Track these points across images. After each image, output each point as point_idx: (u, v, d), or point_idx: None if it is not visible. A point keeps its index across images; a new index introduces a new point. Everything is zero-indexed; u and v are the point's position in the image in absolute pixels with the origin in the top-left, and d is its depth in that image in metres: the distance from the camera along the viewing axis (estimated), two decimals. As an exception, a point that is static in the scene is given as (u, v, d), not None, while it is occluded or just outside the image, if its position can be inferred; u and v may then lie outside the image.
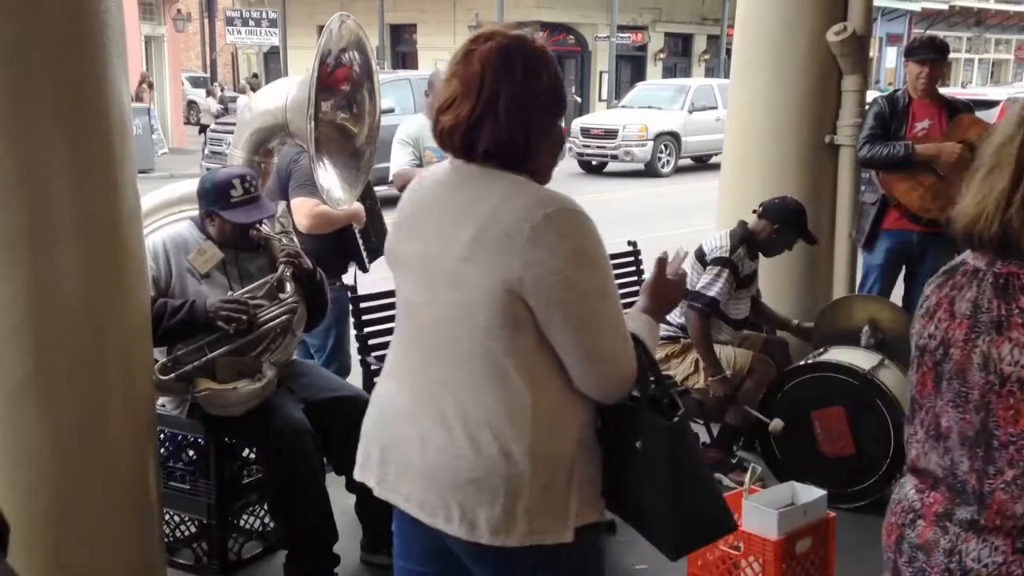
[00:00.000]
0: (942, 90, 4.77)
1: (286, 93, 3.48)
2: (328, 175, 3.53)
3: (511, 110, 1.72)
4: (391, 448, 1.82)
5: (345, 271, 4.20)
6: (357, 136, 3.64)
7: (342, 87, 3.59)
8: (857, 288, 4.80)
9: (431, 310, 1.76)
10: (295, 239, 3.42)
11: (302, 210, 3.85)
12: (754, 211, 4.15)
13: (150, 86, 19.97)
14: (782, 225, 4.06)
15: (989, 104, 8.75)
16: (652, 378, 1.79)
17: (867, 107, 4.68)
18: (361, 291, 4.11)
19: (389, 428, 1.83)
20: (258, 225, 3.19)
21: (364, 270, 4.24)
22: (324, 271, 3.97)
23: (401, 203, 1.90)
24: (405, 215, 1.88)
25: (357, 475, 1.91)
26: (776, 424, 3.83)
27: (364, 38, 3.57)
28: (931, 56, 4.59)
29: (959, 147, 4.53)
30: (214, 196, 3.15)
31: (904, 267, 4.81)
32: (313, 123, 3.30)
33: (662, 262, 1.94)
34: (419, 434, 1.76)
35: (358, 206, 4.08)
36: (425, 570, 1.92)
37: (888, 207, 4.65)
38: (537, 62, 1.79)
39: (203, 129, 19.23)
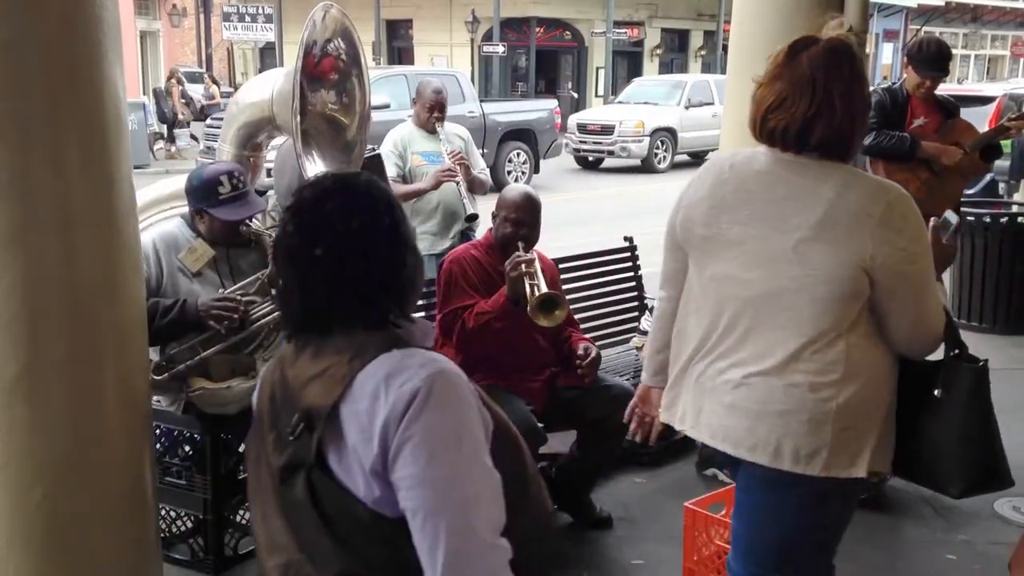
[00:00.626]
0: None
1: (272, 85, 3.42)
2: (316, 168, 3.49)
3: (844, 106, 1.98)
4: (703, 396, 2.11)
5: None
6: (348, 128, 3.58)
7: (330, 77, 3.53)
8: None
9: (763, 284, 2.02)
10: None
11: None
12: None
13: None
14: None
15: (985, 100, 8.74)
16: (953, 336, 2.09)
17: None
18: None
19: (704, 381, 2.11)
20: (248, 221, 3.17)
21: None
22: None
23: (711, 192, 2.15)
24: (724, 202, 2.11)
25: (668, 420, 2.22)
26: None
27: (350, 26, 3.50)
28: (938, 74, 4.56)
29: (960, 152, 4.55)
30: (202, 193, 3.13)
31: None
32: (299, 117, 3.26)
33: (936, 229, 2.20)
34: (733, 381, 2.04)
35: None
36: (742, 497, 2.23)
37: None
38: (857, 63, 2.07)
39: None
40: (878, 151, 4.58)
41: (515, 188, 3.76)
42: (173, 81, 19.57)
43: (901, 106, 4.60)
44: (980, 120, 8.75)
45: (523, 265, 3.35)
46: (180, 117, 18.42)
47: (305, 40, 3.33)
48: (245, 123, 3.52)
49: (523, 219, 3.53)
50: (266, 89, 3.45)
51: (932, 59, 4.56)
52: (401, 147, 4.77)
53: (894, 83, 4.79)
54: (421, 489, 1.32)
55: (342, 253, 1.43)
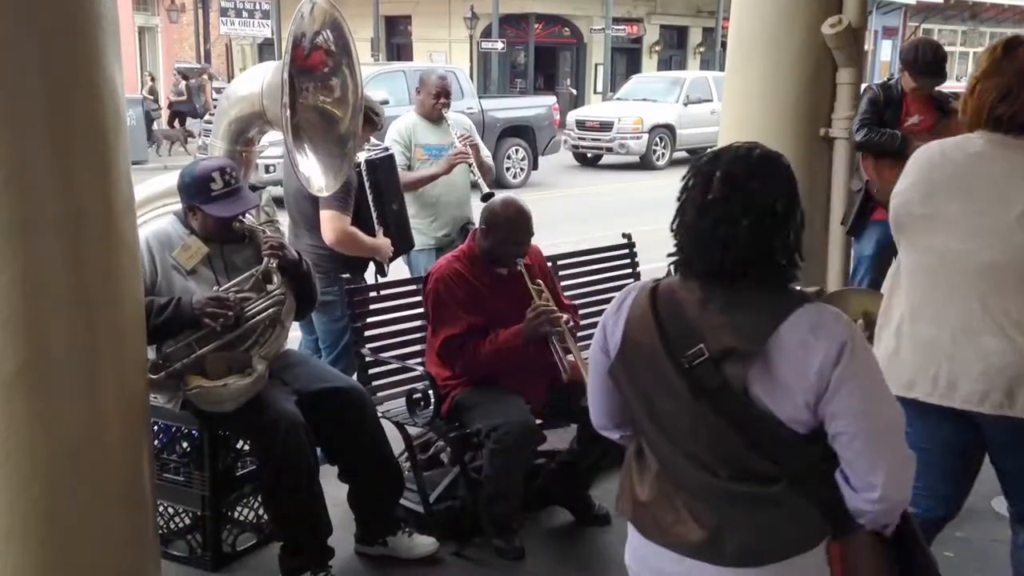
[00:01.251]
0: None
1: (262, 79, 3.39)
2: (309, 162, 3.45)
3: None
4: (949, 363, 2.36)
5: (365, 270, 4.16)
6: (341, 120, 3.54)
7: (320, 69, 3.49)
8: (849, 278, 4.82)
9: (987, 253, 2.29)
10: (281, 228, 3.38)
11: (332, 225, 3.81)
12: None
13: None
14: None
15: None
16: None
17: (861, 92, 4.67)
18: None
19: (944, 350, 2.37)
20: (241, 217, 3.16)
21: (383, 274, 4.19)
22: (343, 269, 3.94)
23: (925, 176, 2.42)
24: (939, 184, 2.38)
25: (911, 393, 2.43)
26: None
27: (339, 16, 3.46)
28: (937, 81, 4.57)
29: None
30: (194, 190, 3.11)
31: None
32: (289, 110, 3.22)
33: None
34: (978, 347, 2.32)
35: (385, 243, 4.05)
36: (940, 459, 2.52)
37: (871, 197, 4.64)
38: None
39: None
40: (869, 146, 4.56)
41: (508, 204, 3.60)
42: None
43: (896, 103, 4.59)
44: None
45: (552, 323, 3.40)
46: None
47: (293, 33, 3.30)
48: (236, 118, 3.48)
49: (523, 238, 3.53)
50: (255, 83, 3.42)
51: (929, 66, 4.54)
52: (406, 137, 4.75)
53: (890, 79, 4.78)
54: (862, 419, 1.71)
55: (764, 228, 1.72)
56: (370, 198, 4.00)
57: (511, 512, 3.46)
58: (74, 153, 2.31)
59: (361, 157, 3.94)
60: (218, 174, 3.10)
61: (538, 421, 3.49)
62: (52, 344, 2.30)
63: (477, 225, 3.70)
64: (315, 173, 3.47)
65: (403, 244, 4.26)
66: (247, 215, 3.18)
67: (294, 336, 4.31)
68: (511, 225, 3.50)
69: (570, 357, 3.48)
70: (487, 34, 25.45)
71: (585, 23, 27.50)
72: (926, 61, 4.54)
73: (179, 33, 27.14)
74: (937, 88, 4.79)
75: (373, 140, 4.29)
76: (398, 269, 4.88)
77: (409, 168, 4.71)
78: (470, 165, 4.61)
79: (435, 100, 4.76)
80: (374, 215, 4.02)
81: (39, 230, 2.25)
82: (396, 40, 29.43)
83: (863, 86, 4.74)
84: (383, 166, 4.12)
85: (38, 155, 2.24)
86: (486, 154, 4.95)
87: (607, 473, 3.95)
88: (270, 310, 3.07)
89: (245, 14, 21.80)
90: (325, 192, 3.55)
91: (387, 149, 4.29)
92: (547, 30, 27.86)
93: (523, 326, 3.41)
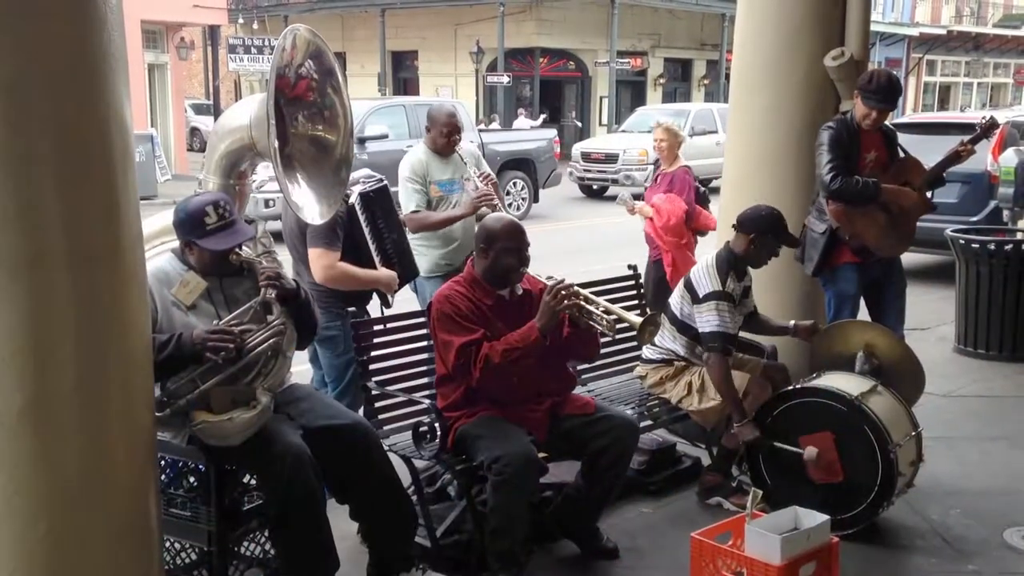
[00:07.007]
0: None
1: (249, 112, 3.40)
2: (301, 191, 3.45)
3: None
4: None
5: (368, 302, 4.15)
6: (336, 145, 3.54)
7: (308, 97, 3.51)
8: (832, 318, 4.70)
9: None
10: (278, 259, 3.40)
11: (320, 263, 3.80)
12: (733, 226, 4.15)
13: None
14: (757, 234, 4.05)
15: (987, 127, 8.75)
16: None
17: (820, 129, 4.51)
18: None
19: None
20: (238, 249, 3.17)
21: (387, 304, 4.13)
22: (346, 302, 3.93)
23: None
24: None
25: None
26: (810, 452, 3.76)
27: (321, 44, 3.47)
28: (885, 107, 4.49)
29: (916, 195, 4.53)
30: (189, 226, 3.13)
31: (866, 293, 4.76)
32: (279, 141, 3.23)
33: None
34: None
35: (386, 274, 4.04)
36: None
37: (838, 241, 4.51)
38: None
39: None
40: (847, 197, 4.42)
41: (500, 218, 3.69)
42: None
43: (854, 139, 4.47)
44: (982, 148, 8.75)
45: (569, 297, 3.37)
46: None
47: (276, 65, 3.32)
48: (227, 152, 3.49)
49: (523, 246, 3.54)
50: (243, 117, 3.43)
51: (881, 91, 4.40)
52: (421, 175, 4.74)
53: (845, 114, 4.61)
54: None
55: None
56: (367, 231, 3.98)
57: (517, 545, 3.43)
58: (83, 188, 2.33)
59: (355, 191, 3.95)
60: (212, 208, 3.11)
61: (542, 454, 3.47)
62: (59, 380, 2.31)
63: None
64: (308, 202, 3.46)
65: (408, 273, 4.25)
66: (244, 247, 3.19)
67: (306, 369, 4.31)
68: (508, 234, 3.52)
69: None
70: (493, 68, 25.66)
71: (590, 57, 27.71)
72: (879, 84, 4.46)
73: (188, 70, 27.44)
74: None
75: (368, 172, 4.28)
76: (408, 302, 4.89)
77: (429, 204, 4.72)
78: (495, 208, 4.55)
79: (446, 140, 4.75)
80: (372, 248, 4.01)
81: (48, 265, 2.26)
82: (403, 75, 29.69)
83: (823, 124, 4.58)
84: (378, 198, 4.08)
85: (47, 191, 2.25)
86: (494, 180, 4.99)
87: (615, 506, 3.94)
88: (271, 340, 3.07)
89: (254, 50, 21.97)
90: (319, 220, 3.53)
91: (381, 180, 4.22)
92: (552, 64, 28.08)
93: (538, 313, 3.41)
